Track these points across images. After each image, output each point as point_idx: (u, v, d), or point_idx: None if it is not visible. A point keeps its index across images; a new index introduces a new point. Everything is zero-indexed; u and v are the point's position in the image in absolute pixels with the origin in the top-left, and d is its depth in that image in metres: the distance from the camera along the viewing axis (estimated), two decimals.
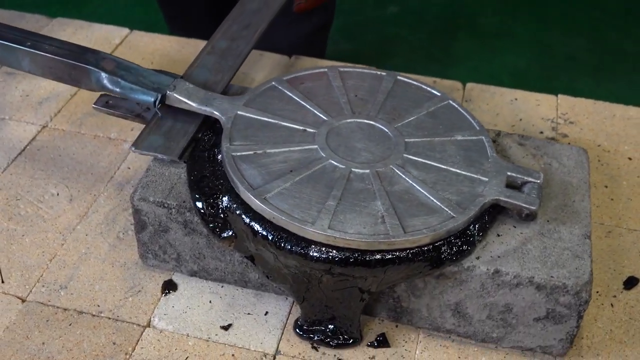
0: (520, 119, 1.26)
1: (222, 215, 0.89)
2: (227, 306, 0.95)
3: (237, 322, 0.93)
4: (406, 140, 0.94)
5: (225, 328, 0.93)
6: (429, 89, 1.05)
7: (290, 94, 1.00)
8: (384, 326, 0.93)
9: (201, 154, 0.95)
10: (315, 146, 0.91)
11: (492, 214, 0.89)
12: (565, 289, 0.83)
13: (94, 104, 1.02)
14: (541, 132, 1.23)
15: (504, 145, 1.01)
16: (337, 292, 0.86)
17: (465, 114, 1.01)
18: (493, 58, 2.40)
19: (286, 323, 0.94)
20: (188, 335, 0.92)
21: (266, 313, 0.95)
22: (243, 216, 0.86)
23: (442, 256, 0.84)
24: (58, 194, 1.10)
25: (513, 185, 0.91)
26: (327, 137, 0.93)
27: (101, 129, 1.21)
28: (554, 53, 2.61)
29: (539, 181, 0.91)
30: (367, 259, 0.82)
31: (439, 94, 1.04)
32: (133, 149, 0.96)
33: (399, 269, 0.83)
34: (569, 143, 1.20)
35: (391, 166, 0.89)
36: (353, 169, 0.89)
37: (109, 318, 0.94)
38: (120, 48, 1.40)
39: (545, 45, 2.67)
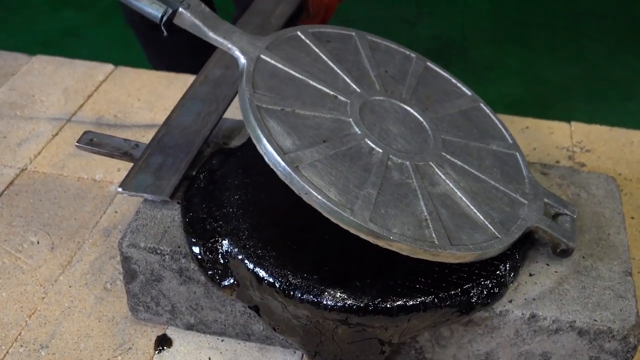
0: (534, 148, 1.17)
1: (222, 260, 0.79)
2: None
3: None
4: (443, 137, 0.84)
5: None
6: (458, 84, 0.95)
7: (318, 51, 0.87)
8: None
9: (196, 194, 0.85)
10: (349, 119, 0.80)
11: (522, 250, 0.79)
12: (611, 334, 0.74)
13: (77, 142, 0.93)
14: (557, 162, 1.14)
15: None
16: (354, 344, 0.76)
17: (497, 122, 0.91)
18: (487, 89, 2.33)
19: None
20: None
21: None
22: (246, 261, 0.76)
23: (472, 300, 0.74)
24: (38, 242, 1.00)
25: (547, 215, 0.82)
26: (361, 112, 0.80)
27: (85, 170, 1.11)
28: (547, 81, 2.56)
29: (574, 215, 0.82)
30: (388, 306, 0.72)
31: (469, 92, 0.94)
32: (120, 190, 0.86)
33: (424, 316, 0.73)
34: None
35: (430, 163, 0.79)
36: (391, 156, 0.77)
37: None
38: (105, 84, 1.30)
39: (537, 75, 2.62)
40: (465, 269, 0.76)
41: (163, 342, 0.87)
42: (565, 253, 0.79)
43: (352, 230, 0.69)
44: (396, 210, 0.72)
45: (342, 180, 0.72)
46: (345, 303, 0.72)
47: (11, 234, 1.01)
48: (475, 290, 0.74)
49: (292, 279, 0.74)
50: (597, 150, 1.17)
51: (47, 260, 0.97)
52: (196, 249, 0.80)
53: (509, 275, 0.76)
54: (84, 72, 1.33)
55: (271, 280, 0.75)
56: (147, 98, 1.27)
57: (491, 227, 0.75)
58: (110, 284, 0.94)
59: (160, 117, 1.22)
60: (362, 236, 0.69)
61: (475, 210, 0.76)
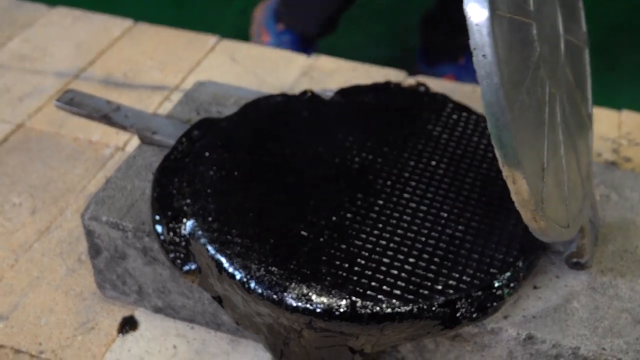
0: None
1: (184, 243, 0.70)
2: (194, 354, 0.76)
3: None
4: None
5: None
6: None
7: None
8: None
9: (171, 165, 0.76)
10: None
11: (529, 257, 0.67)
12: None
13: (56, 100, 0.85)
14: (599, 155, 1.00)
15: None
16: (323, 350, 0.67)
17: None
18: None
19: None
20: None
21: None
22: (208, 246, 0.67)
23: (458, 313, 0.63)
24: (20, 204, 0.93)
25: None
26: None
27: (83, 131, 1.04)
28: (619, 62, 2.35)
29: (597, 226, 0.69)
30: (358, 312, 0.62)
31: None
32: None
33: (399, 327, 0.63)
34: (632, 169, 0.97)
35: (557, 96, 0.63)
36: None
37: None
38: (120, 41, 1.23)
39: (607, 53, 2.40)
40: (456, 275, 0.65)
41: (129, 324, 0.79)
42: (579, 266, 0.67)
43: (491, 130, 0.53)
44: (528, 141, 0.56)
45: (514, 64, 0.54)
46: (309, 305, 0.63)
47: None
48: (462, 302, 0.63)
49: (254, 272, 0.65)
50: None
51: (25, 225, 0.91)
52: (159, 228, 0.71)
53: (508, 286, 0.65)
54: (101, 27, 1.25)
55: (231, 270, 0.66)
56: (162, 58, 1.19)
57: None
58: (85, 256, 0.86)
59: (171, 79, 1.14)
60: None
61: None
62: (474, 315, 0.63)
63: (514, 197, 0.54)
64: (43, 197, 0.94)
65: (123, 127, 0.82)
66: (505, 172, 0.52)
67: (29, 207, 0.93)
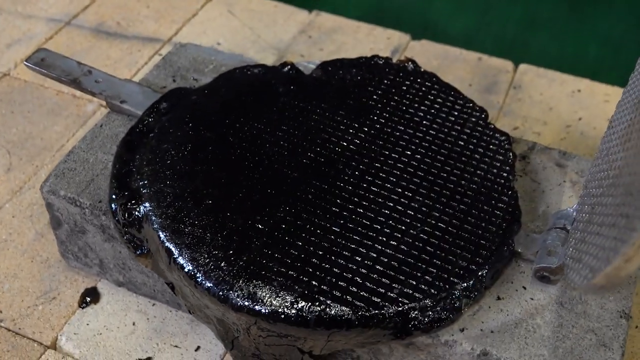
0: (580, 119, 0.97)
1: (137, 225, 0.67)
2: (153, 332, 0.75)
3: (159, 356, 0.73)
4: None
5: None
6: None
7: None
8: None
9: (134, 140, 0.73)
10: None
11: (494, 265, 0.63)
12: None
13: (26, 61, 0.81)
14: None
15: (535, 164, 0.74)
16: (272, 347, 0.64)
17: None
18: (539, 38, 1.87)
19: None
20: None
21: (197, 348, 0.74)
22: (159, 233, 0.64)
23: (411, 324, 0.60)
24: None
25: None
26: None
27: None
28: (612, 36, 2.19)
29: (562, 226, 0.64)
30: (305, 317, 0.59)
31: None
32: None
33: (347, 335, 0.60)
34: None
35: None
36: None
37: (9, 330, 0.75)
38: None
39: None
40: (412, 283, 0.61)
41: (90, 295, 0.78)
42: (547, 280, 0.63)
43: None
44: None
45: None
46: (255, 305, 0.60)
47: None
48: (416, 313, 0.60)
49: (203, 266, 0.62)
50: None
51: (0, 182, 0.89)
52: (114, 206, 0.68)
53: (468, 297, 0.61)
54: None
55: (180, 261, 0.63)
56: (158, 6, 1.14)
57: None
58: None
59: (164, 31, 1.10)
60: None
61: None
62: (427, 327, 0.60)
63: (621, 272, 0.48)
64: (20, 155, 0.92)
65: (92, 93, 0.79)
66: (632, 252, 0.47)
67: (4, 165, 0.91)
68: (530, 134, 0.95)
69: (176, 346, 0.74)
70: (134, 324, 0.75)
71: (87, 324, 0.75)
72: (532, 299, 0.63)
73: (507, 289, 0.64)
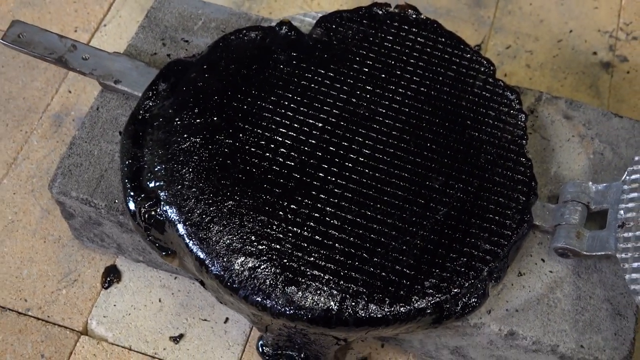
0: (571, 31, 0.94)
1: (160, 229, 0.65)
2: (180, 307, 0.76)
3: (190, 332, 0.74)
4: None
5: (176, 340, 0.74)
6: None
7: None
8: (367, 345, 0.74)
9: (139, 129, 0.69)
10: None
11: (516, 244, 0.64)
12: None
13: (2, 38, 0.74)
14: (594, 53, 0.92)
15: (543, 118, 0.73)
16: (307, 335, 0.66)
17: None
18: None
19: (249, 335, 0.74)
20: (130, 349, 0.73)
21: (226, 320, 0.75)
22: (187, 241, 0.63)
23: (444, 314, 0.62)
24: None
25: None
26: None
27: (40, 24, 0.92)
28: None
29: (583, 202, 0.65)
30: (345, 319, 0.60)
31: None
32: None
33: (384, 330, 0.62)
34: (627, 72, 0.90)
35: None
36: None
37: (38, 319, 0.75)
38: None
39: None
40: (443, 274, 0.62)
41: (112, 274, 0.77)
42: (566, 256, 0.64)
43: None
44: None
45: None
46: (293, 311, 0.60)
47: None
48: (448, 304, 0.61)
49: (237, 274, 0.61)
50: None
51: None
52: (133, 208, 0.66)
53: (494, 278, 0.63)
54: None
55: (213, 270, 0.62)
56: None
57: None
58: None
59: None
60: None
61: None
62: (459, 314, 0.62)
63: None
64: (4, 119, 0.86)
65: (82, 73, 0.73)
66: None
67: None
68: (523, 52, 0.93)
69: (205, 320, 0.75)
70: (160, 300, 0.76)
71: (115, 305, 0.76)
72: (551, 271, 0.65)
73: (527, 264, 0.65)
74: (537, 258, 0.66)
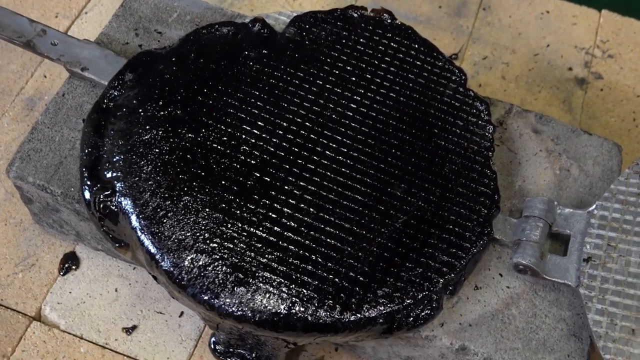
0: (548, 45, 0.90)
1: (113, 219, 0.60)
2: (136, 298, 0.71)
3: (144, 324, 0.70)
4: None
5: (128, 331, 0.69)
6: None
7: None
8: (321, 348, 0.69)
9: (102, 118, 0.64)
10: None
11: (475, 257, 0.60)
12: None
13: None
14: (570, 69, 0.88)
15: (512, 130, 0.69)
16: (258, 336, 0.61)
17: None
18: None
19: (203, 331, 0.70)
20: (82, 338, 0.68)
21: (181, 314, 0.70)
22: (140, 234, 0.58)
23: (395, 325, 0.57)
24: None
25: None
26: None
27: (22, 8, 0.87)
28: None
29: (547, 220, 0.61)
30: (293, 324, 0.56)
31: None
32: None
33: (333, 337, 0.57)
34: (601, 90, 0.86)
35: None
36: None
37: None
38: None
39: None
40: (396, 284, 0.57)
41: (70, 260, 0.72)
42: (524, 272, 0.60)
43: None
44: None
45: None
46: (242, 312, 0.56)
47: None
48: (400, 315, 0.57)
49: (187, 272, 0.57)
50: (623, 56, 0.90)
51: None
52: (88, 196, 0.61)
53: (449, 290, 0.58)
54: None
55: (163, 265, 0.57)
56: None
57: None
58: None
59: None
60: None
61: None
62: (411, 325, 0.57)
63: None
64: None
65: (50, 58, 0.68)
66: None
67: None
68: (499, 64, 0.88)
69: (160, 312, 0.70)
70: (116, 290, 0.71)
71: (70, 292, 0.71)
72: (508, 287, 0.61)
73: (485, 277, 0.61)
74: (495, 272, 0.61)
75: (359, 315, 0.56)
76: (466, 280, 0.60)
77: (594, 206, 0.62)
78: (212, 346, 0.67)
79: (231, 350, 0.66)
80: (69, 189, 0.63)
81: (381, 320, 0.56)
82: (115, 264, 0.72)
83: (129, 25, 0.72)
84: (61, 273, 0.72)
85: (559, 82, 0.87)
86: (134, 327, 0.69)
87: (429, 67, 0.68)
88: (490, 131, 0.65)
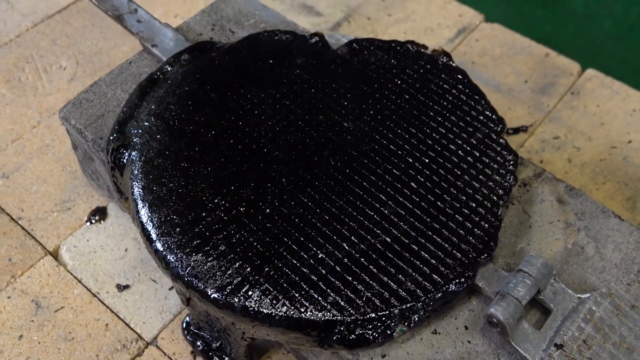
0: (630, 141, 0.80)
1: (120, 171, 0.62)
2: (139, 262, 0.71)
3: (136, 286, 0.69)
4: None
5: (121, 288, 0.69)
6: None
7: None
8: (287, 358, 0.64)
9: (148, 86, 0.66)
10: None
11: (445, 297, 0.53)
12: None
13: None
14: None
15: (534, 194, 0.61)
16: (218, 321, 0.58)
17: None
18: None
19: (183, 310, 0.68)
20: (79, 281, 0.69)
21: (171, 287, 0.69)
22: (132, 184, 0.59)
23: (334, 337, 0.52)
24: (65, 69, 0.88)
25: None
26: None
27: (148, 5, 0.95)
28: None
29: (538, 283, 0.52)
30: (231, 302, 0.52)
31: None
32: None
33: (269, 330, 0.53)
34: None
35: None
36: None
37: (23, 228, 0.74)
38: None
39: None
40: (348, 295, 0.52)
41: (99, 214, 0.75)
42: (496, 327, 0.52)
43: None
44: None
45: None
46: (191, 278, 0.54)
47: (49, 52, 0.90)
48: (342, 327, 0.51)
49: (157, 227, 0.56)
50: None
51: (60, 90, 0.86)
52: (107, 145, 0.63)
53: (404, 322, 0.52)
54: None
55: (141, 216, 0.57)
56: None
57: None
58: None
59: None
60: None
61: None
62: (350, 344, 0.52)
63: None
64: (85, 67, 0.88)
65: (130, 32, 0.72)
66: None
67: (70, 73, 0.88)
68: (569, 147, 0.80)
69: (154, 281, 0.70)
70: (126, 250, 0.72)
71: (88, 240, 0.73)
72: (469, 342, 0.53)
73: (448, 324, 0.54)
74: (461, 323, 0.54)
75: (300, 313, 0.51)
76: (428, 320, 0.53)
77: (588, 295, 0.53)
78: (183, 324, 0.65)
79: (198, 332, 0.64)
80: (98, 138, 0.65)
81: (321, 325, 0.51)
82: (134, 228, 0.73)
83: (210, 20, 0.75)
84: (88, 222, 0.74)
85: (629, 180, 0.77)
86: (126, 286, 0.69)
87: (466, 108, 0.64)
88: (510, 181, 0.58)
